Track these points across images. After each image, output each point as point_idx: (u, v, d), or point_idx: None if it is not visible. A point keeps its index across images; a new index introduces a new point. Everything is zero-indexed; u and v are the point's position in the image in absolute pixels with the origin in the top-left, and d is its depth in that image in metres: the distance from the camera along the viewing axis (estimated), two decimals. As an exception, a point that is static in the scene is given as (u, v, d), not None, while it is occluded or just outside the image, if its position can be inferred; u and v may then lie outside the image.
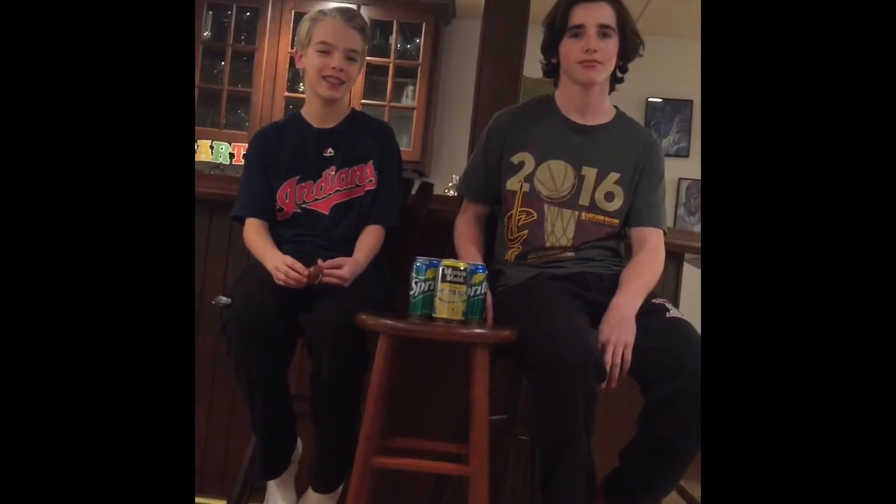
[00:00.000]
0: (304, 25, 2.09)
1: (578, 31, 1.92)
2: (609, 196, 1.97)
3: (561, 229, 1.96)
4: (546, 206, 1.97)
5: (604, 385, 1.71)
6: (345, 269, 1.90)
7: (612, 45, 1.94)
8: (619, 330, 1.75)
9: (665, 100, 4.74)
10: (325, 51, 2.04)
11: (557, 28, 1.96)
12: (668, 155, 4.53)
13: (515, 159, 2.00)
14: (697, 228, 4.60)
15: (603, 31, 1.92)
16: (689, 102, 4.74)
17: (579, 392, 1.65)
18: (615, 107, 2.07)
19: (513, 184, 1.99)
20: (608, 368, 1.70)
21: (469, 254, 1.99)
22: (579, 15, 1.92)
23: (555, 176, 1.97)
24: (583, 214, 1.96)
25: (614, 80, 2.04)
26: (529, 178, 1.98)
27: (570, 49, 1.94)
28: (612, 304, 1.81)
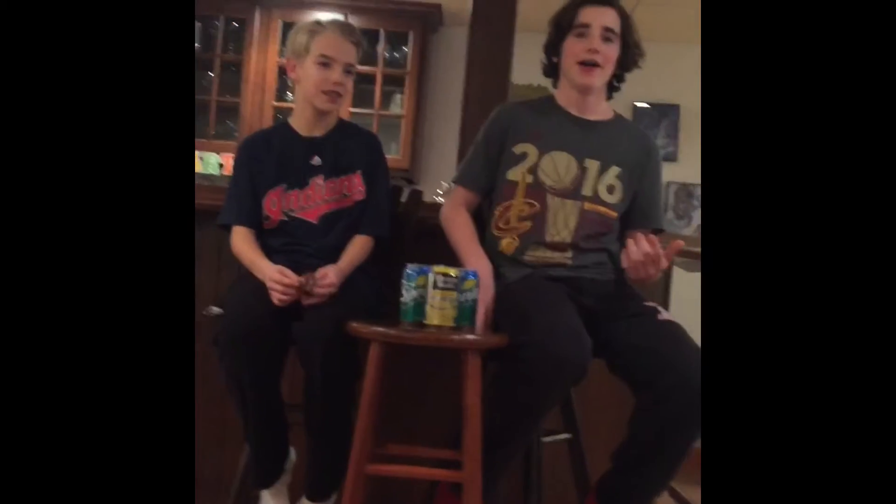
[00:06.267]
0: (301, 36, 2.07)
1: (583, 30, 1.96)
2: (610, 189, 2.01)
3: (563, 221, 1.97)
4: (549, 197, 1.98)
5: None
6: (331, 275, 1.91)
7: (612, 51, 1.97)
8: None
9: (652, 104, 4.77)
10: (326, 64, 2.04)
11: (563, 27, 1.99)
12: (656, 159, 4.53)
13: (517, 150, 2.01)
14: (686, 232, 4.62)
15: (606, 34, 1.96)
16: (676, 107, 4.76)
17: (559, 384, 1.68)
18: (613, 110, 2.10)
19: (514, 174, 2.00)
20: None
21: (476, 258, 1.96)
22: (586, 15, 1.97)
23: (558, 166, 1.99)
24: (585, 204, 1.98)
25: (611, 89, 2.08)
26: (533, 170, 1.99)
27: (572, 47, 1.97)
28: None
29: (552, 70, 2.10)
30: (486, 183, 2.06)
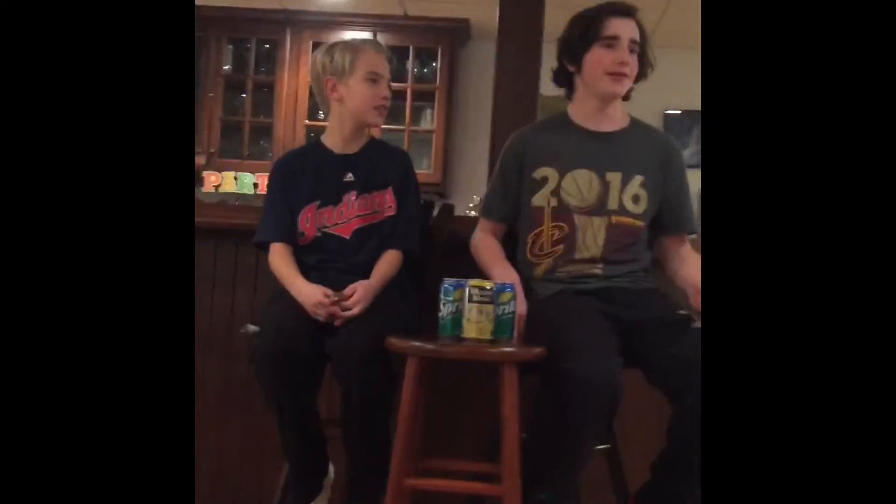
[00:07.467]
0: (343, 55, 2.09)
1: (612, 41, 1.95)
2: (635, 199, 2.00)
3: (591, 237, 1.97)
4: (576, 217, 1.98)
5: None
6: (359, 291, 1.93)
7: (636, 62, 1.98)
8: None
9: (683, 112, 4.74)
10: (374, 80, 2.09)
11: (589, 37, 1.97)
12: (689, 166, 4.51)
13: (538, 175, 2.01)
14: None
15: (632, 46, 1.97)
16: (708, 113, 4.74)
17: (591, 408, 1.67)
18: (629, 114, 2.09)
19: (539, 199, 2.00)
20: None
21: (503, 270, 1.97)
22: (615, 26, 1.96)
23: (580, 185, 1.98)
24: (612, 218, 1.98)
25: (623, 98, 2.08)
26: (556, 192, 1.99)
27: (600, 58, 1.96)
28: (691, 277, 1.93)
29: (566, 79, 2.08)
30: (508, 212, 2.07)
